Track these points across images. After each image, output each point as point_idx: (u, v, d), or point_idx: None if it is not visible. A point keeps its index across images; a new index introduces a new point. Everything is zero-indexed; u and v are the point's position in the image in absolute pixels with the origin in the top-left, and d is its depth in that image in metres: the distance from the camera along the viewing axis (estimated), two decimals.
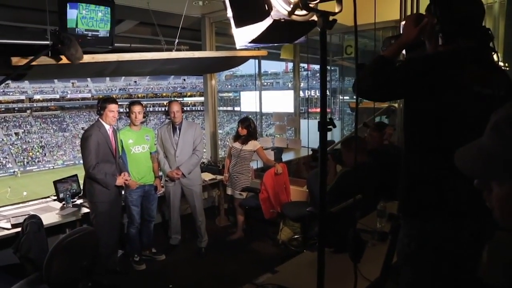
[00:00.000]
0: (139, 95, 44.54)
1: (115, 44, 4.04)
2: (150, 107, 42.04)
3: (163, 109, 42.33)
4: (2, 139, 38.81)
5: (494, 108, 0.69)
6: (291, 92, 7.85)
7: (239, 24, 1.38)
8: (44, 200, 4.44)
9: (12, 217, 3.56)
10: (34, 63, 2.66)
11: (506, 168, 0.64)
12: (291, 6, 1.23)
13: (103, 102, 3.85)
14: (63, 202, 4.17)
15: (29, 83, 40.93)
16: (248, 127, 4.83)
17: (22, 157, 38.08)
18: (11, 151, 38.17)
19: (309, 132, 6.27)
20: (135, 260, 4.26)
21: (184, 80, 45.71)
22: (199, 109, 42.25)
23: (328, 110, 1.56)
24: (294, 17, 1.24)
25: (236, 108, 31.49)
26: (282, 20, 1.22)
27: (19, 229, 3.27)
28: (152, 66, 3.51)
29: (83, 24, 3.63)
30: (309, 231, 4.18)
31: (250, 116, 5.23)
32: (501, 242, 1.38)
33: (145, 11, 4.42)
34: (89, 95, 44.17)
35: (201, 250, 4.55)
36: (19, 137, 40.28)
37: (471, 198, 1.41)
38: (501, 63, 2.33)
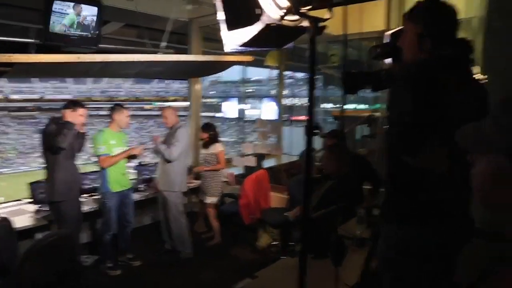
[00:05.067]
0: (121, 98, 43.92)
1: (100, 45, 4.03)
2: (131, 110, 41.38)
3: (144, 113, 42.02)
4: None
5: (470, 119, 0.82)
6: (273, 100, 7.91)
7: (230, 27, 1.39)
8: (17, 202, 4.34)
9: None
10: (17, 60, 2.61)
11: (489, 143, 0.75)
12: (283, 11, 1.25)
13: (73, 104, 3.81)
14: (39, 205, 4.08)
15: (8, 81, 39.80)
16: (208, 131, 4.94)
17: None
18: None
19: (291, 139, 6.32)
20: (109, 266, 4.18)
21: (167, 84, 45.34)
22: (181, 114, 41.89)
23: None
24: (285, 22, 1.26)
25: (218, 115, 31.50)
26: (273, 25, 1.24)
27: None
28: (138, 68, 3.49)
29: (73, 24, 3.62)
30: (288, 237, 4.21)
31: (211, 122, 5.41)
32: (476, 248, 1.42)
33: (131, 12, 4.39)
34: (69, 97, 43.26)
35: (179, 255, 4.49)
36: None
37: (448, 204, 1.46)
38: (480, 76, 2.41)
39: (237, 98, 27.55)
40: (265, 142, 5.77)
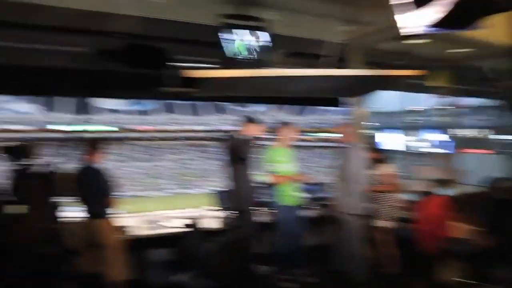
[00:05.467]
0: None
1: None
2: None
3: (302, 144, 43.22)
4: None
5: None
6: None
7: (420, 3, 1.31)
8: (201, 209, 4.99)
9: (178, 219, 4.13)
10: (204, 75, 3.04)
11: None
12: None
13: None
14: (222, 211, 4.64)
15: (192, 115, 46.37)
16: (378, 151, 4.74)
17: (178, 181, 42.95)
18: (170, 173, 43.42)
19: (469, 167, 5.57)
20: (284, 278, 4.25)
21: (322, 114, 45.79)
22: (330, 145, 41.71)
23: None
24: None
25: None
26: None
27: (184, 229, 3.80)
28: (306, 83, 3.60)
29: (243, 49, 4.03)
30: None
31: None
32: None
33: (290, 39, 4.62)
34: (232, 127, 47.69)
35: (351, 278, 4.32)
36: (179, 163, 45.79)
37: None
38: None
39: (396, 129, 25.96)
40: (443, 168, 5.25)
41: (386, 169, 4.68)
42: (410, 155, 24.92)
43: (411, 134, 25.20)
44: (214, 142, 48.86)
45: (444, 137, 21.88)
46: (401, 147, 25.62)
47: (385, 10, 3.80)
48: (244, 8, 3.58)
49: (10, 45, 4.43)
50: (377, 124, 24.42)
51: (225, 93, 4.38)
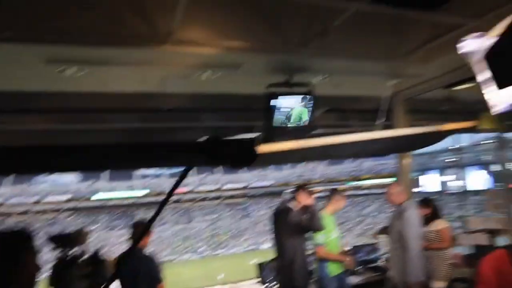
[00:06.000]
0: (316, 181, 45.95)
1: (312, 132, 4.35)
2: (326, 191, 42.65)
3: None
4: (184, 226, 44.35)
5: None
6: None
7: (503, 85, 1.28)
8: (246, 282, 4.80)
9: None
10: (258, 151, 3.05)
11: None
12: None
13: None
14: (266, 284, 4.40)
15: (222, 174, 47.03)
16: (429, 206, 4.51)
17: (212, 242, 42.56)
18: (204, 235, 43.21)
19: None
20: None
21: (360, 163, 45.41)
22: (375, 192, 40.78)
23: None
24: None
25: (416, 189, 29.00)
26: None
27: None
28: (357, 147, 3.56)
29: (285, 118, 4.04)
30: None
31: (429, 197, 4.96)
32: None
33: (331, 98, 4.65)
34: (269, 183, 47.93)
35: None
36: (211, 223, 45.65)
37: None
38: None
39: (437, 170, 25.13)
40: (497, 215, 4.93)
41: (440, 224, 4.43)
42: (454, 195, 23.85)
43: (453, 173, 24.25)
44: (248, 199, 48.84)
45: (485, 173, 21.04)
46: (445, 188, 24.62)
47: (427, 61, 3.85)
48: (289, 75, 3.64)
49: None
50: (419, 166, 23.84)
51: (278, 163, 4.37)
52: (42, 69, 2.95)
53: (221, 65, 3.28)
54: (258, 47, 3.06)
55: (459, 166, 24.09)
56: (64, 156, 1.11)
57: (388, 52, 3.62)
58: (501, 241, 5.42)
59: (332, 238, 4.22)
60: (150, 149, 1.31)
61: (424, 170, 25.17)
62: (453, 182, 24.36)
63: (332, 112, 6.08)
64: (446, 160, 25.98)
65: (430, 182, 24.92)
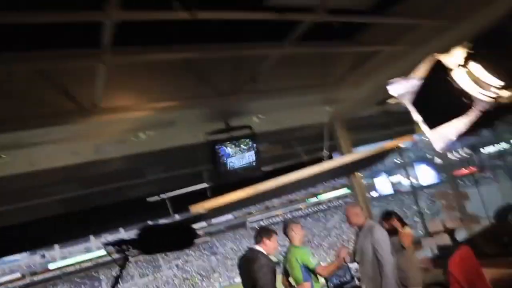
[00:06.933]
0: (275, 204, 45.97)
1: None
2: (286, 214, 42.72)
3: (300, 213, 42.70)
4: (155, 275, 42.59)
5: None
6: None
7: (433, 126, 1.32)
8: None
9: None
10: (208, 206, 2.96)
11: None
12: (494, 91, 1.13)
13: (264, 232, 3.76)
14: None
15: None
16: (391, 220, 4.42)
17: (184, 286, 40.76)
18: (175, 282, 41.33)
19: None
20: None
21: None
22: (334, 204, 41.42)
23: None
24: (501, 99, 1.13)
25: (374, 194, 29.74)
26: (490, 109, 1.13)
27: None
28: (306, 180, 3.59)
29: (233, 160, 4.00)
30: None
31: (390, 210, 4.87)
32: None
33: (273, 133, 4.67)
34: (231, 216, 47.18)
35: None
36: (179, 268, 43.86)
37: None
38: None
39: (387, 172, 26.10)
40: (453, 214, 5.11)
41: (404, 231, 4.36)
42: (408, 193, 24.87)
43: (403, 172, 25.31)
44: (212, 236, 47.67)
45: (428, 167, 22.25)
46: (398, 187, 25.67)
47: (357, 84, 4.00)
48: (226, 121, 3.60)
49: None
50: (369, 171, 24.58)
51: (232, 211, 4.27)
52: None
53: (155, 125, 3.18)
54: (189, 102, 3.00)
55: (407, 165, 25.16)
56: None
57: (319, 83, 3.73)
58: (461, 236, 5.60)
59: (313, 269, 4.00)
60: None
61: (375, 173, 26.01)
62: (404, 180, 25.41)
63: (277, 143, 6.10)
64: (394, 161, 27.07)
65: (383, 185, 25.86)
